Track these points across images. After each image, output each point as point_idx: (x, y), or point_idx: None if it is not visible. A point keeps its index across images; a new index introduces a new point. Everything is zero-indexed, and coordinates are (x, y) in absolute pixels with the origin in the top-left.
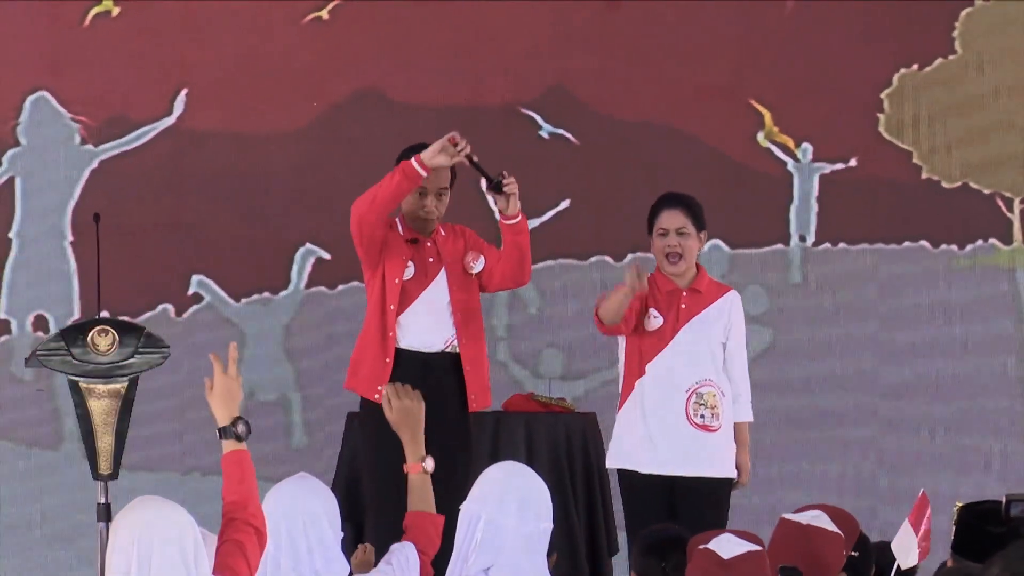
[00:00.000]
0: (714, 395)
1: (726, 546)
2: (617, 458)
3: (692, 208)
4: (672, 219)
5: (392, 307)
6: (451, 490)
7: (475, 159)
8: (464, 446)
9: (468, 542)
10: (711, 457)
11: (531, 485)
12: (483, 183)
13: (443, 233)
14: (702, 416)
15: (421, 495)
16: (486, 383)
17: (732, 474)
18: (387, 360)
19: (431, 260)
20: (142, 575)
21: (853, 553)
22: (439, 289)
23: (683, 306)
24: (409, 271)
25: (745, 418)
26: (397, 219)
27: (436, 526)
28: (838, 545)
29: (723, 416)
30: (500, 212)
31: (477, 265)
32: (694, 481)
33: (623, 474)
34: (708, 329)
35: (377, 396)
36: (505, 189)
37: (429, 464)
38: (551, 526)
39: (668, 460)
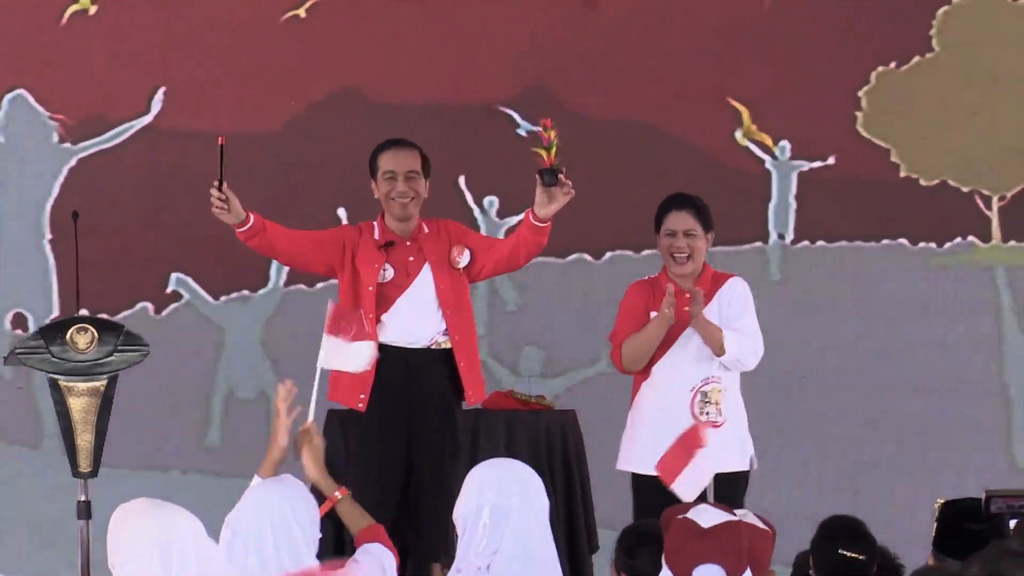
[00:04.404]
0: (719, 391)
1: (704, 516)
2: (627, 461)
3: (700, 209)
4: (680, 220)
5: (370, 315)
6: (443, 487)
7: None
8: (453, 441)
9: (473, 529)
10: (719, 453)
11: (522, 467)
12: (538, 174)
13: (426, 231)
14: (707, 414)
15: (353, 516)
16: (480, 378)
17: (743, 467)
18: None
19: (411, 259)
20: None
21: (860, 557)
22: (423, 287)
23: (685, 309)
24: (387, 273)
25: (728, 336)
26: (375, 222)
27: (383, 533)
28: (769, 541)
29: (727, 409)
30: (535, 210)
31: (463, 259)
32: None
33: (634, 476)
34: None
35: (360, 405)
36: (563, 188)
37: (340, 495)
38: (548, 502)
39: None
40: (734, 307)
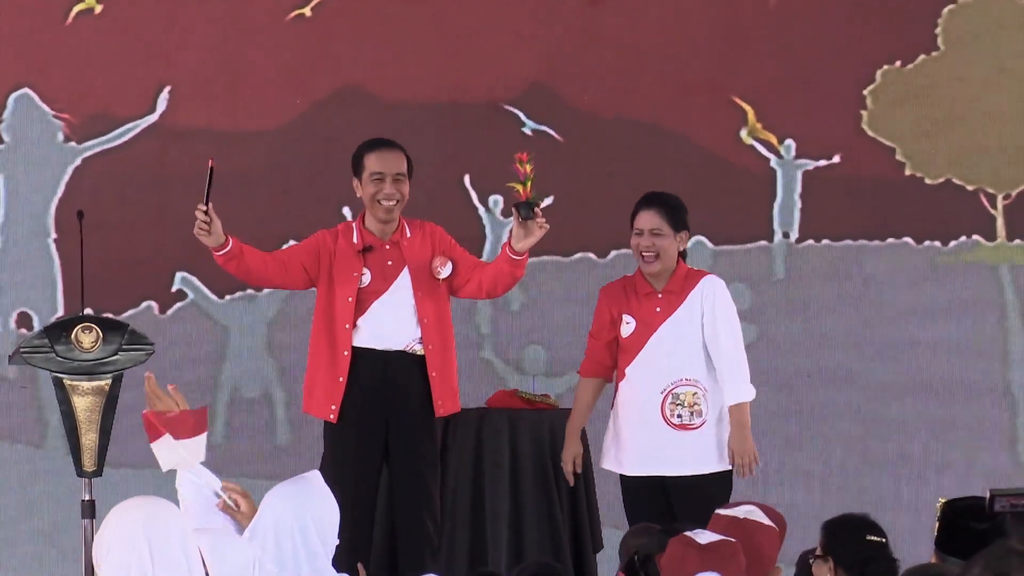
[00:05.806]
0: (694, 393)
1: (703, 535)
2: (607, 460)
3: (669, 208)
4: (647, 219)
5: (347, 326)
6: (418, 488)
7: (210, 180)
8: (429, 446)
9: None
10: (695, 455)
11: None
12: (514, 208)
13: (409, 234)
14: (679, 416)
15: None
16: (454, 388)
17: (722, 467)
18: (340, 379)
19: (390, 263)
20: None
21: (883, 540)
22: (400, 292)
23: (657, 309)
24: (365, 278)
25: (736, 400)
26: (354, 224)
27: None
28: (775, 538)
29: (707, 412)
30: (511, 243)
31: (444, 271)
32: (683, 480)
33: (621, 478)
34: (682, 328)
35: (331, 416)
36: (538, 220)
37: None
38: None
39: (651, 461)
40: (715, 315)
